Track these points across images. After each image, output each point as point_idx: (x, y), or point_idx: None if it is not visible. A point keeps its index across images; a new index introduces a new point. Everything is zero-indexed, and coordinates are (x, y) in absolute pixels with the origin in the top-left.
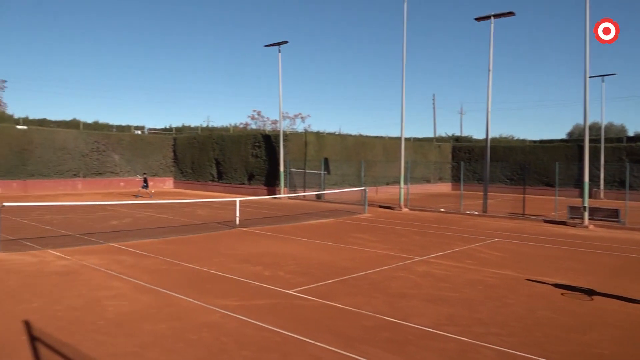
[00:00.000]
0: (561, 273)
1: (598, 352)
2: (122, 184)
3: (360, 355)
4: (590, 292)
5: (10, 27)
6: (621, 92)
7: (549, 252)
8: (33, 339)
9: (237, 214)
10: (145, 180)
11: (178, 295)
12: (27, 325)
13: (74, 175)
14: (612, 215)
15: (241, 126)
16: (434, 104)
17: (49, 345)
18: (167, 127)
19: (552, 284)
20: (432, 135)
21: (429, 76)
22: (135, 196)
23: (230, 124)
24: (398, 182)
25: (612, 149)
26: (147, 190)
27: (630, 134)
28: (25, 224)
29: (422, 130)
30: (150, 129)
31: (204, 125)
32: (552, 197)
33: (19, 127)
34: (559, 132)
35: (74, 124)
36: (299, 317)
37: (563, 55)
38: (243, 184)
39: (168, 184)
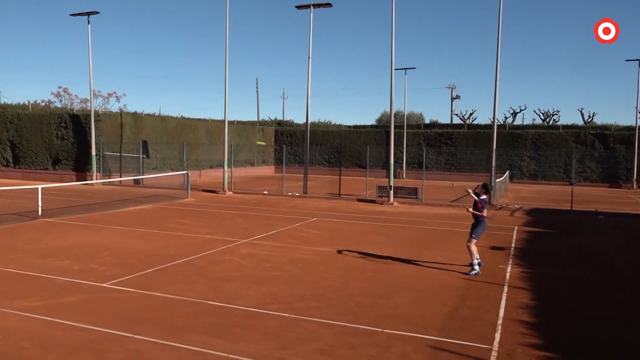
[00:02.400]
0: (371, 246)
1: (400, 313)
2: None
3: (184, 342)
4: (393, 262)
5: None
6: (420, 84)
7: (361, 228)
8: None
9: (40, 203)
10: None
11: None
12: None
13: None
14: (412, 193)
15: (43, 104)
16: (257, 87)
17: None
18: None
19: (362, 257)
20: (255, 119)
21: (252, 60)
22: None
23: (28, 101)
24: (222, 166)
25: (413, 135)
26: None
27: (427, 121)
28: None
29: (246, 113)
30: None
31: None
32: (364, 178)
33: None
34: (370, 118)
35: None
36: (116, 311)
37: (373, 47)
38: (46, 169)
39: None
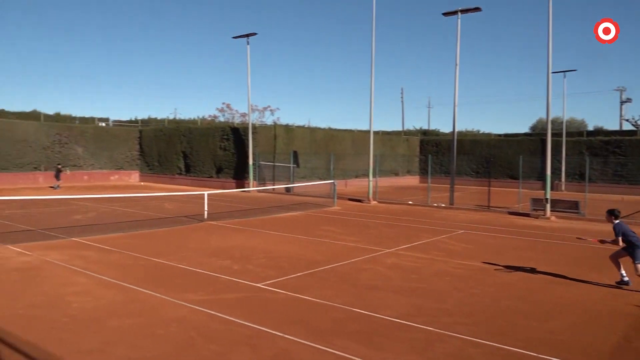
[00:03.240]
0: (524, 263)
1: (558, 338)
2: (85, 177)
3: (330, 347)
4: (550, 282)
5: None
6: (582, 87)
7: (512, 243)
8: None
9: (206, 208)
10: (57, 172)
11: (144, 291)
12: None
13: (35, 168)
14: (573, 207)
15: (209, 119)
16: (402, 97)
17: (9, 344)
18: (133, 119)
19: (515, 274)
20: (400, 129)
21: (397, 70)
22: (54, 187)
23: (198, 117)
24: (367, 175)
25: (573, 143)
26: (57, 182)
27: (590, 128)
28: None
29: (391, 123)
30: (115, 121)
31: (171, 117)
32: (516, 190)
33: None
34: (522, 126)
35: (34, 116)
36: (269, 310)
37: (526, 51)
38: (211, 177)
39: (134, 177)
